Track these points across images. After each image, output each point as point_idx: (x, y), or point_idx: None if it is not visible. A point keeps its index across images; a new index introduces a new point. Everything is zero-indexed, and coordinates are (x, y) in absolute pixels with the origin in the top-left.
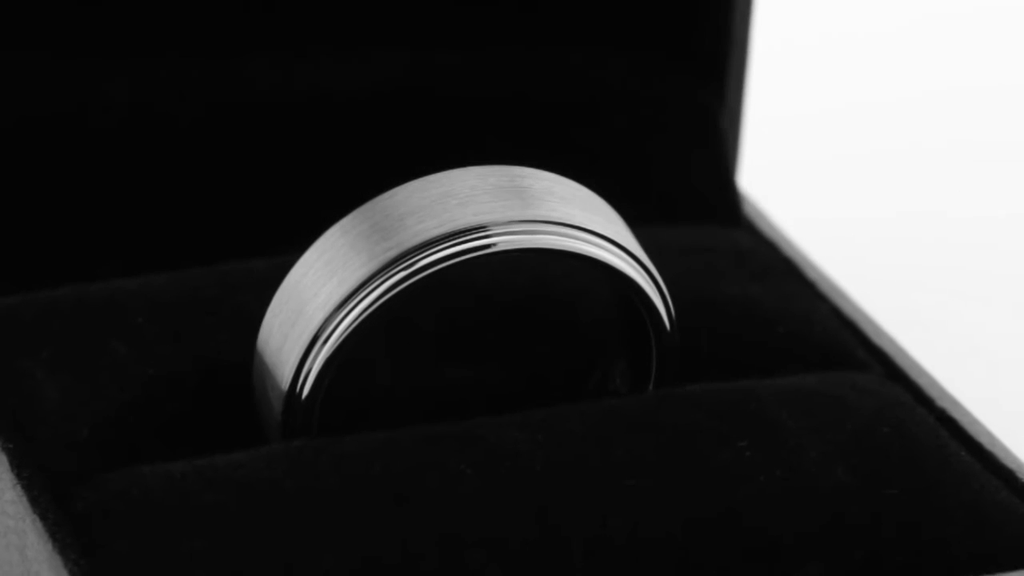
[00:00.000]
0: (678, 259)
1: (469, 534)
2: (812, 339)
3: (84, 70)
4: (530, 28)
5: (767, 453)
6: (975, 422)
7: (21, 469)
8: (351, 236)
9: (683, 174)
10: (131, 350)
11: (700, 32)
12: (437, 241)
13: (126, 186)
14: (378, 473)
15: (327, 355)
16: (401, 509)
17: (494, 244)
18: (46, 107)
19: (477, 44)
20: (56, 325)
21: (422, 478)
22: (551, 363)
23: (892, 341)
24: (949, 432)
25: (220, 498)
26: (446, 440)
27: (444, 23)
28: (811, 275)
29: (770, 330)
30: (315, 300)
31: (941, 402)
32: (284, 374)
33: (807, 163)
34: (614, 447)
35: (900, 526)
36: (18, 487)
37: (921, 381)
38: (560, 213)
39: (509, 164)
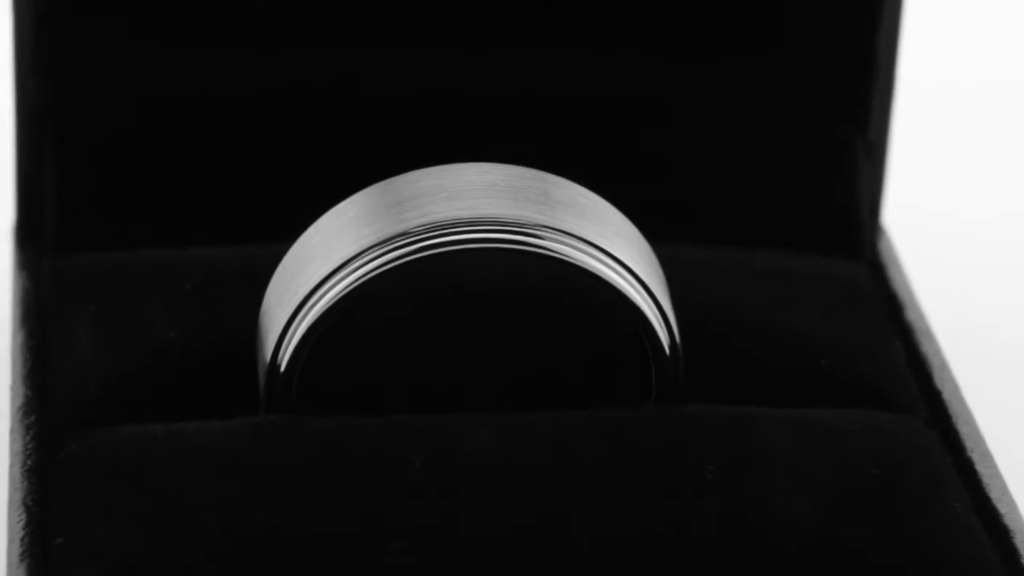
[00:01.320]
0: (748, 281)
1: (392, 522)
2: (855, 375)
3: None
4: (665, 37)
5: (731, 479)
6: (996, 475)
7: (25, 415)
8: (344, 219)
9: (807, 200)
10: (165, 314)
11: (843, 58)
12: (414, 232)
13: (212, 161)
14: (329, 455)
15: (303, 332)
16: (332, 490)
17: (469, 242)
18: (175, 91)
19: (606, 44)
20: (114, 283)
21: (369, 463)
22: (549, 367)
23: (954, 387)
24: (968, 484)
25: (176, 463)
26: (409, 430)
27: (531, 22)
28: (910, 315)
29: (810, 361)
30: (300, 277)
31: (972, 452)
32: (268, 348)
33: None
34: (577, 456)
35: (837, 570)
36: (14, 433)
37: (963, 429)
38: (550, 218)
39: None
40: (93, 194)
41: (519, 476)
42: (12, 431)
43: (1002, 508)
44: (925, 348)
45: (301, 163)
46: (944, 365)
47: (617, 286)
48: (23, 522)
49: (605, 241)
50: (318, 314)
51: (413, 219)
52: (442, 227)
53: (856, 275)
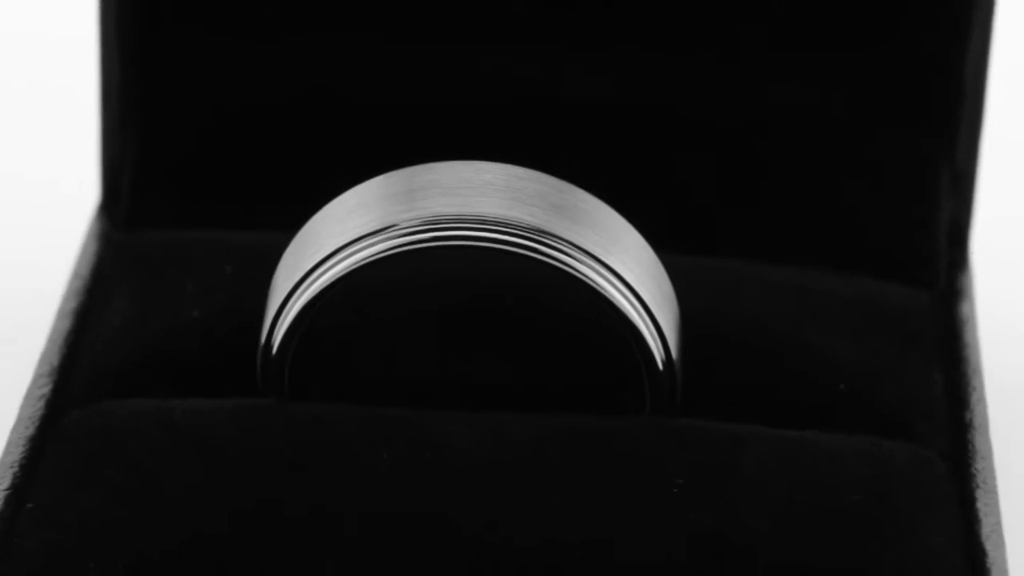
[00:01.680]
0: (787, 300)
1: (348, 508)
2: (872, 401)
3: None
4: (744, 50)
5: (697, 494)
6: (993, 514)
7: (42, 384)
8: (344, 208)
9: (882, 223)
10: (196, 294)
11: (928, 78)
12: (401, 226)
13: (277, 154)
14: (297, 442)
15: (293, 317)
16: (293, 476)
17: (453, 239)
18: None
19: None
20: (160, 261)
21: (337, 452)
22: (540, 369)
23: (983, 423)
24: (965, 520)
25: (157, 438)
26: (385, 423)
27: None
28: (963, 349)
29: (827, 384)
30: (299, 263)
31: (978, 489)
32: (263, 331)
33: None
34: (547, 460)
35: None
36: (27, 399)
37: (978, 465)
38: (541, 220)
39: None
40: (164, 176)
41: (480, 475)
42: (26, 397)
43: (989, 547)
44: (968, 383)
45: (361, 159)
46: (981, 400)
47: (607, 295)
48: (5, 485)
49: (599, 248)
50: (306, 302)
51: (402, 213)
52: (430, 223)
53: (914, 303)
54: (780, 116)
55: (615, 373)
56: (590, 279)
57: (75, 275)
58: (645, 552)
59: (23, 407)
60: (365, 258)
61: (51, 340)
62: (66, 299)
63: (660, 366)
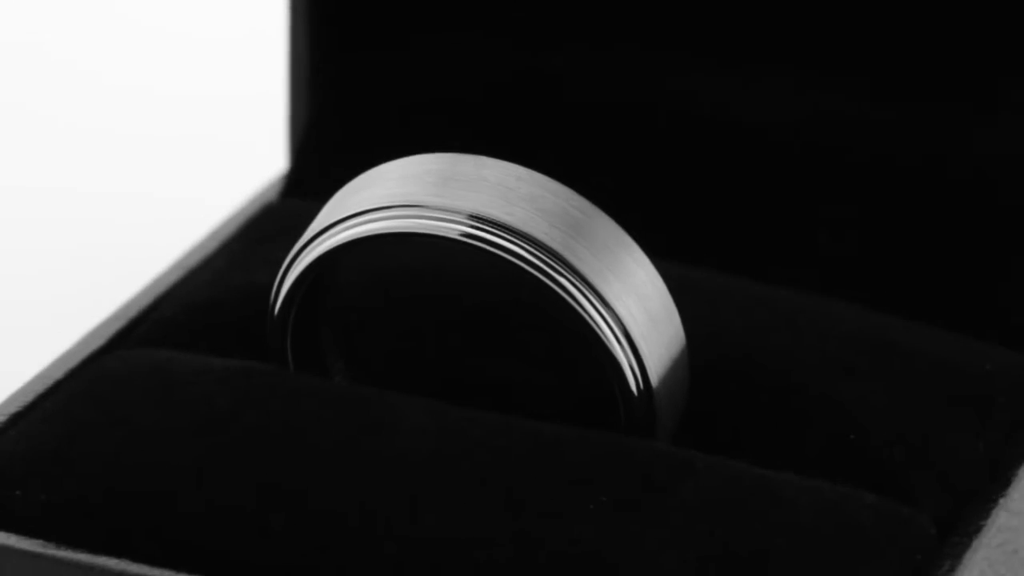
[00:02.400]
0: (824, 337)
1: (284, 484)
2: (879, 456)
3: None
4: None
5: (612, 515)
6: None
7: (107, 328)
8: (356, 184)
9: (988, 278)
10: (256, 262)
11: None
12: (376, 210)
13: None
14: (263, 413)
15: (289, 286)
16: (248, 442)
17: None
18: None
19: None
20: (273, 227)
21: (292, 429)
22: (536, 375)
23: (999, 496)
24: None
25: (152, 388)
26: (352, 403)
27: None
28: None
29: (836, 432)
30: (313, 224)
31: (947, 559)
32: (271, 292)
33: None
34: (484, 462)
35: None
36: (86, 337)
37: (958, 537)
38: (553, 238)
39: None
40: (350, 160)
41: (414, 462)
42: (86, 336)
43: None
44: (1007, 452)
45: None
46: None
47: (592, 322)
48: (11, 410)
49: (598, 276)
50: (298, 271)
51: (428, 197)
52: (413, 207)
53: (985, 360)
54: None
55: (595, 390)
56: (579, 303)
57: (212, 235)
58: (510, 558)
59: (78, 347)
60: (345, 239)
61: (146, 288)
62: (188, 254)
63: (635, 393)
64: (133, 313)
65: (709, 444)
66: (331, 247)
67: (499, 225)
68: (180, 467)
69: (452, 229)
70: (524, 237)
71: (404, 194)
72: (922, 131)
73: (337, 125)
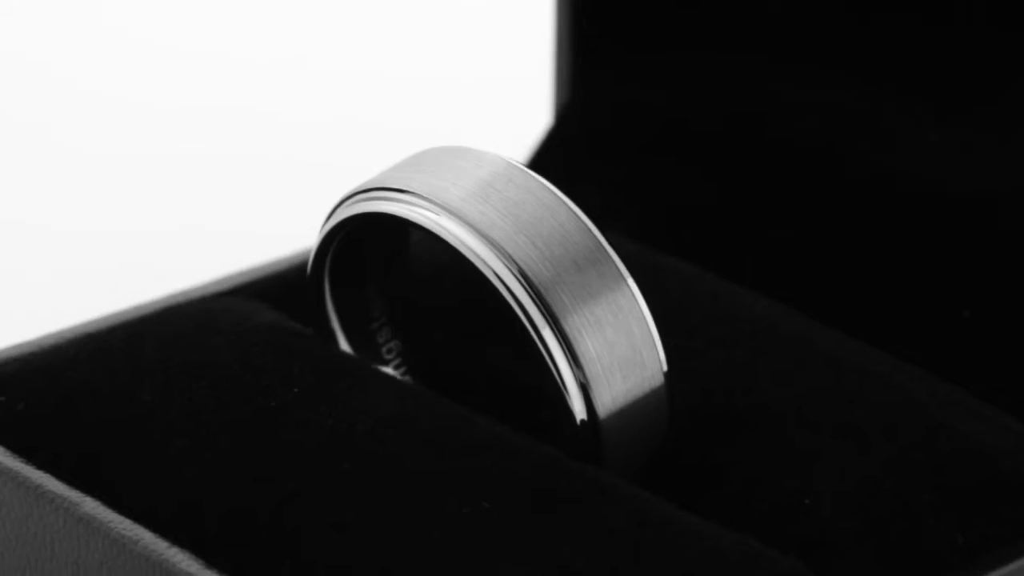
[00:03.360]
0: (856, 407)
1: (238, 440)
2: (816, 522)
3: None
4: None
5: (489, 521)
6: None
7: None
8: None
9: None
10: None
11: None
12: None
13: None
14: (261, 370)
15: (317, 244)
16: (208, 390)
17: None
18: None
19: None
20: None
21: (276, 383)
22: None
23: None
24: None
25: (174, 329)
26: (336, 372)
27: None
28: None
29: (786, 489)
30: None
31: None
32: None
33: None
34: (412, 455)
35: None
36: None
37: None
38: (534, 263)
39: None
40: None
41: (357, 444)
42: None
43: None
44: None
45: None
46: None
47: (527, 325)
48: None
49: (563, 308)
50: (323, 234)
51: (443, 190)
52: (407, 193)
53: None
54: None
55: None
56: (538, 332)
57: None
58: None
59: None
60: (354, 212)
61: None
62: None
63: (577, 424)
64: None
65: (682, 483)
66: (341, 218)
67: (469, 225)
68: (150, 402)
69: (428, 219)
70: (487, 240)
71: (400, 178)
72: None
73: (579, 136)
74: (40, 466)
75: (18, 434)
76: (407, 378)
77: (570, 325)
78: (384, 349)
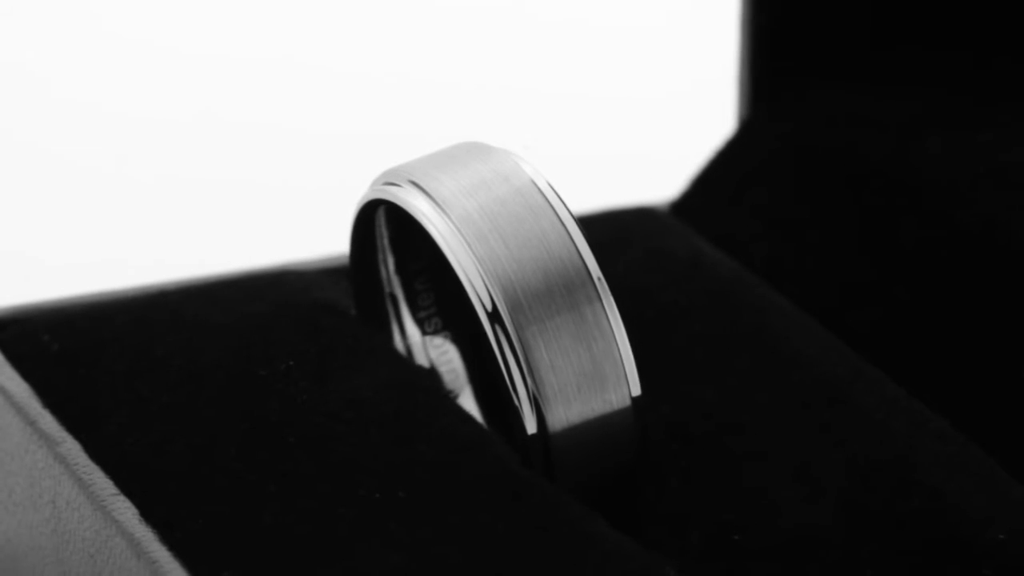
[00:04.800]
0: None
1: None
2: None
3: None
4: None
5: (389, 507)
6: None
7: None
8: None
9: None
10: None
11: None
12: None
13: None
14: (271, 348)
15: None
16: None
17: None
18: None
19: None
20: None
21: (268, 365)
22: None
23: None
24: None
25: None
26: (345, 357)
27: None
28: None
29: (717, 522)
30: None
31: None
32: None
33: None
34: (359, 438)
35: None
36: None
37: None
38: (467, 221)
39: None
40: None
41: (314, 421)
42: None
43: None
44: None
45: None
46: None
47: (502, 358)
48: None
49: (523, 325)
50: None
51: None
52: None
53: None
54: None
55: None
56: (500, 344)
57: None
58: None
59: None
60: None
61: None
62: None
63: (527, 433)
64: None
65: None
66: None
67: (448, 218)
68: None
69: (415, 208)
70: (461, 235)
71: (416, 168)
72: None
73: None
74: (47, 404)
75: (43, 371)
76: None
77: (528, 332)
78: (423, 313)
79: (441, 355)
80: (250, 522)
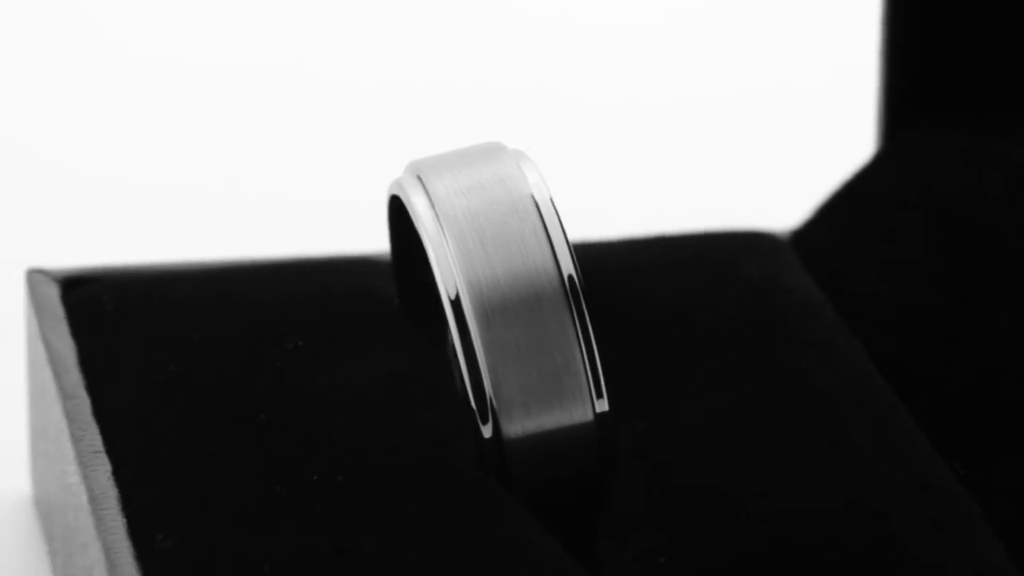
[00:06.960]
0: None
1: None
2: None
3: None
4: None
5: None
6: None
7: None
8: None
9: None
10: None
11: None
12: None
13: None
14: (295, 333)
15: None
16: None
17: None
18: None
19: None
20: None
21: (283, 348)
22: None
23: None
24: None
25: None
26: (361, 344)
27: None
28: None
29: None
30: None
31: None
32: None
33: None
34: (326, 422)
35: None
36: None
37: None
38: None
39: None
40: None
41: (293, 402)
42: None
43: None
44: None
45: None
46: None
47: (458, 364)
48: None
49: (484, 331)
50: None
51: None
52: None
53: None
54: None
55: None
56: (464, 344)
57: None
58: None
59: None
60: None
61: None
62: None
63: (483, 437)
64: None
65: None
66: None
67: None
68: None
69: (411, 204)
70: (442, 231)
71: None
72: None
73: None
74: (81, 361)
75: (91, 331)
76: None
77: (489, 335)
78: None
79: None
80: (200, 492)
